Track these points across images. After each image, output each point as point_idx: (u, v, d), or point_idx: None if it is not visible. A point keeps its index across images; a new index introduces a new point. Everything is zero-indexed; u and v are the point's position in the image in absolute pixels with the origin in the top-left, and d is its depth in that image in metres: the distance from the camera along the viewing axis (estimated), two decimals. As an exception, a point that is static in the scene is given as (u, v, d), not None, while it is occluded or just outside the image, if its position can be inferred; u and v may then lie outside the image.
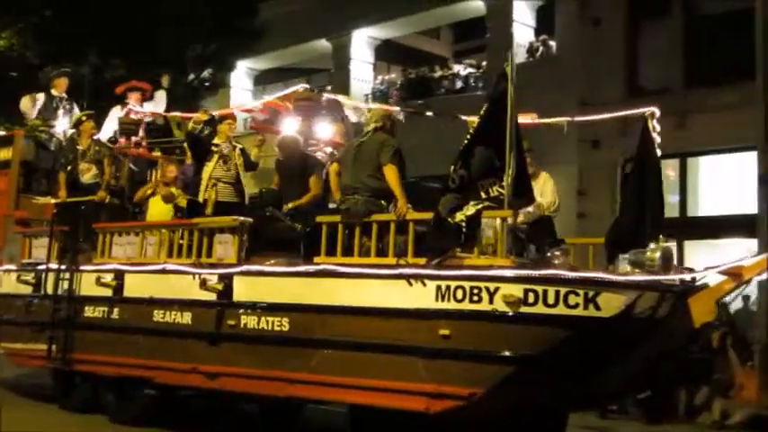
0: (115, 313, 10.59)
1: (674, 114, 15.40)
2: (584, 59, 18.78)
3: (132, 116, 12.78)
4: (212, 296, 9.44)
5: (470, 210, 7.70)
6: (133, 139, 12.52)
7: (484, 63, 22.00)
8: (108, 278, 10.56)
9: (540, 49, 20.84)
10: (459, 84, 22.72)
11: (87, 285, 10.90)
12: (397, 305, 8.08)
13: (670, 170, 17.68)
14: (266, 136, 10.62)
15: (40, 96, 13.13)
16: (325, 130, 10.66)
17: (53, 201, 11.89)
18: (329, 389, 8.51)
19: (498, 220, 7.76)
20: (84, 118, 12.12)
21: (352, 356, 8.35)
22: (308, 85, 10.29)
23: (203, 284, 9.28)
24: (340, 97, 10.51)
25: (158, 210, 11.42)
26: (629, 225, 8.32)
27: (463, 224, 7.69)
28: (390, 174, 8.42)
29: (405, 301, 8.03)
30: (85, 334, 10.86)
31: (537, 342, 7.43)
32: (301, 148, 9.97)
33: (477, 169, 7.88)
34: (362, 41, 24.86)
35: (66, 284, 11.09)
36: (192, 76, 22.54)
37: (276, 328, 8.92)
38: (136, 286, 10.40)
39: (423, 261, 8.01)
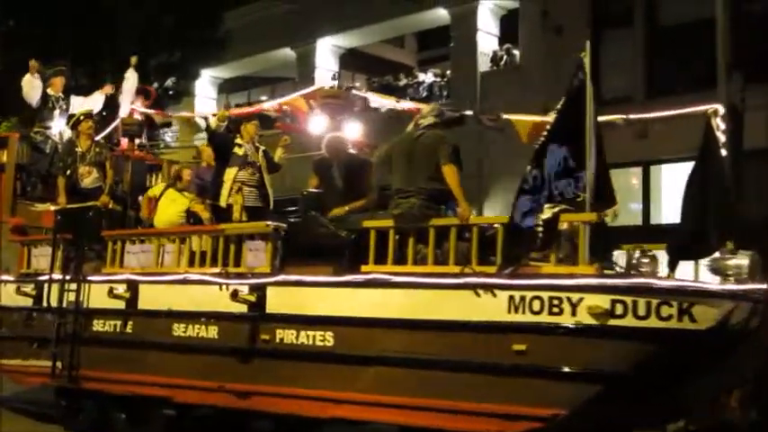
0: (128, 327, 9.55)
1: (636, 123, 14.77)
2: (547, 68, 18.25)
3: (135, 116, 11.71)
4: (243, 308, 8.46)
5: (547, 213, 6.81)
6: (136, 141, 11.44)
7: (448, 72, 21.63)
8: (120, 289, 9.51)
9: (504, 57, 20.61)
10: (423, 92, 22.18)
11: (96, 297, 9.84)
12: (460, 318, 7.18)
13: (633, 178, 17.68)
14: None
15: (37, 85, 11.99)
16: (353, 129, 9.72)
17: (53, 207, 10.80)
18: (383, 409, 7.60)
19: (579, 225, 6.87)
20: (81, 117, 11.05)
21: (408, 374, 7.45)
22: (334, 82, 9.29)
23: (234, 296, 8.29)
24: (370, 95, 9.55)
25: (168, 215, 10.40)
26: (692, 231, 7.48)
27: (539, 229, 6.79)
28: (450, 174, 7.54)
29: (470, 313, 7.15)
30: (94, 349, 9.79)
31: (626, 358, 6.60)
32: (349, 149, 9.01)
33: (550, 169, 6.99)
34: (327, 50, 24.42)
35: (71, 296, 9.98)
36: (155, 85, 21.88)
37: (318, 344, 7.96)
38: (152, 298, 9.37)
39: (490, 269, 7.10)
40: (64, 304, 10.07)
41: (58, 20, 19.59)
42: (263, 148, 9.72)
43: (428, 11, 21.55)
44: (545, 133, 7.03)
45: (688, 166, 15.69)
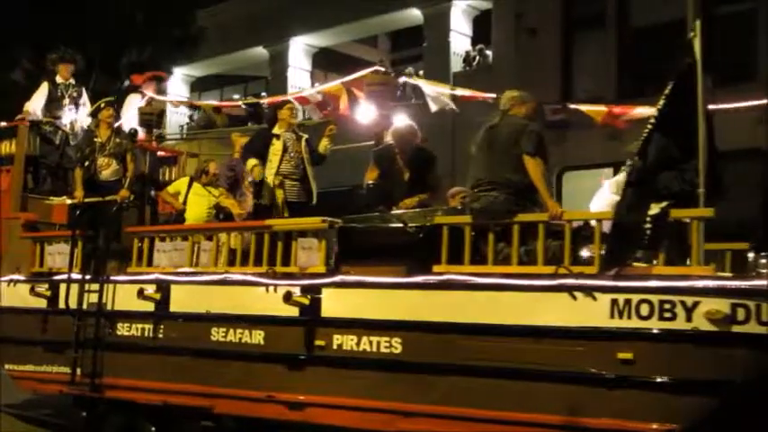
0: (159, 331, 8.59)
1: (607, 126, 14.30)
2: (519, 69, 17.96)
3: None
4: (293, 312, 7.54)
5: (655, 209, 6.02)
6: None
7: (421, 72, 20.93)
8: (149, 290, 8.54)
9: (477, 58, 20.21)
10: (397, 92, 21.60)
11: (121, 298, 8.88)
12: (553, 323, 6.36)
13: (604, 179, 17.09)
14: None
15: (43, 87, 10.98)
16: (403, 118, 8.86)
17: (69, 201, 9.83)
18: (458, 423, 6.77)
19: (693, 221, 6.09)
20: (102, 105, 10.12)
21: (490, 385, 6.61)
22: (382, 68, 8.43)
23: (288, 298, 7.40)
24: (421, 82, 8.70)
25: (196, 212, 9.50)
26: None
27: (647, 226, 5.99)
28: (532, 166, 6.73)
29: (565, 318, 6.35)
30: (120, 355, 8.85)
31: (749, 367, 5.82)
32: (418, 140, 8.14)
33: (653, 160, 6.20)
34: (299, 49, 24.00)
35: (92, 297, 9.01)
36: (126, 83, 21.23)
37: (384, 351, 7.09)
38: (186, 299, 8.46)
39: (589, 269, 6.30)
40: (84, 306, 9.07)
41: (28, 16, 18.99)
42: (305, 137, 8.83)
43: (401, 11, 21.20)
44: (651, 121, 6.23)
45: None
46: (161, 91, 11.43)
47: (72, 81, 11.08)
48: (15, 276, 9.98)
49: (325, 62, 24.95)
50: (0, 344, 10.08)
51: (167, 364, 8.47)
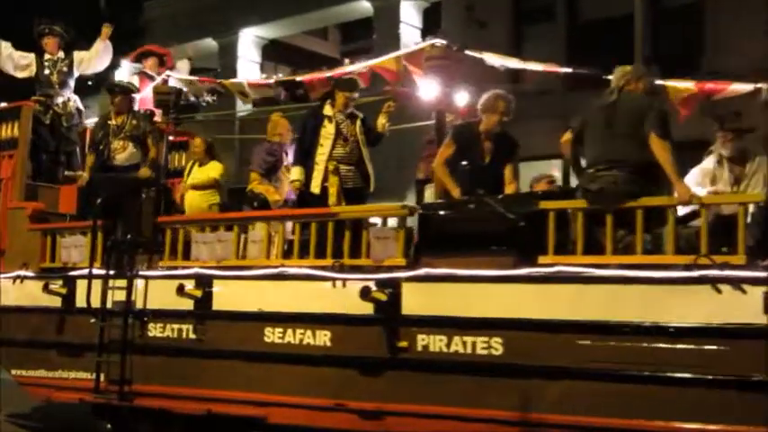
0: (199, 332, 7.53)
1: (555, 117, 13.74)
2: (470, 61, 17.21)
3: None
4: (367, 309, 6.57)
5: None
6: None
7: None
8: (188, 286, 7.47)
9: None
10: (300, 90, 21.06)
11: (154, 296, 7.79)
12: (691, 321, 5.47)
13: (555, 170, 16.33)
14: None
15: (27, 57, 9.81)
16: (465, 96, 7.93)
17: (77, 173, 8.83)
18: (573, 433, 5.81)
19: None
20: (116, 89, 9.03)
21: (612, 391, 5.73)
22: (443, 41, 7.49)
23: (366, 294, 6.41)
24: (488, 55, 7.77)
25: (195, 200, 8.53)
26: None
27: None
28: (659, 147, 5.85)
29: (707, 314, 5.44)
30: (153, 359, 7.78)
31: None
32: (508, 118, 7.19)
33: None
34: (249, 41, 23.16)
35: (117, 295, 7.91)
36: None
37: (481, 353, 6.15)
38: (232, 296, 7.45)
39: (735, 259, 5.45)
40: (109, 305, 7.96)
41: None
42: (361, 116, 7.85)
43: (351, 3, 20.66)
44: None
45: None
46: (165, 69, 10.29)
47: (61, 55, 9.93)
48: (23, 272, 8.79)
49: (275, 54, 24.20)
50: (4, 347, 8.89)
51: (210, 368, 7.44)
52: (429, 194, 8.14)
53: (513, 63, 7.78)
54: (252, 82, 9.11)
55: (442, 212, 6.71)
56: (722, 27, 13.37)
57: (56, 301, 8.48)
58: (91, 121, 9.86)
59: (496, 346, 6.14)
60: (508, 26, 17.39)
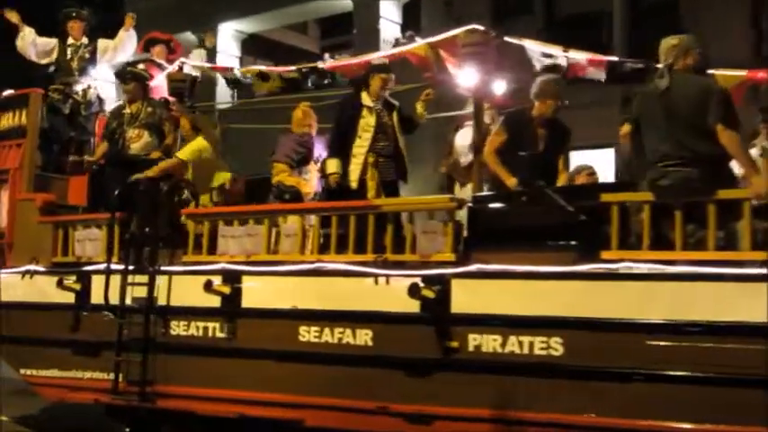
0: (228, 330, 7.11)
1: (595, 106, 13.52)
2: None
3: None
4: (412, 307, 6.19)
5: None
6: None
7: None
8: (216, 282, 7.06)
9: (407, 45, 19.04)
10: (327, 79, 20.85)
11: (177, 292, 7.38)
12: (770, 320, 5.15)
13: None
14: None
15: (49, 42, 9.33)
16: (503, 85, 7.58)
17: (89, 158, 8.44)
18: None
19: None
20: (128, 75, 8.58)
21: (688, 393, 5.41)
22: (480, 26, 7.13)
23: (415, 291, 6.04)
24: (528, 42, 7.42)
25: None
26: None
27: None
28: (729, 138, 5.53)
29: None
30: (176, 359, 7.37)
31: None
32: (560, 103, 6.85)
33: None
34: (229, 35, 22.96)
35: (137, 291, 7.48)
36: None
37: (540, 353, 5.82)
38: (263, 293, 7.06)
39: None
40: (128, 301, 7.53)
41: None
42: (397, 104, 7.47)
43: None
44: None
45: (584, 155, 14.38)
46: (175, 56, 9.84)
47: (84, 41, 9.47)
48: (32, 267, 8.32)
49: (255, 48, 23.99)
50: (12, 345, 8.41)
51: (240, 368, 7.04)
52: (457, 189, 7.81)
53: (554, 50, 7.41)
54: (270, 69, 8.67)
55: (494, 205, 6.33)
56: (700, 22, 13.04)
57: (69, 298, 8.03)
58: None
59: (556, 346, 5.80)
60: (487, 22, 17.06)
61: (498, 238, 6.16)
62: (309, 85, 8.10)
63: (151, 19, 22.06)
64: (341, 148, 7.42)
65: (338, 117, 7.58)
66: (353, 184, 7.29)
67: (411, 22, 19.35)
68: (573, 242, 5.89)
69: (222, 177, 8.13)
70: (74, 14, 9.47)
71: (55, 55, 9.40)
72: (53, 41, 9.49)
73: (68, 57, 9.41)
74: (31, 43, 9.51)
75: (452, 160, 7.87)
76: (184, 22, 22.28)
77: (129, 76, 8.62)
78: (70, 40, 9.46)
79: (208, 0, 22.19)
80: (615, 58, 7.41)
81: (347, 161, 7.33)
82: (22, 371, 8.37)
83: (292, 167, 8.04)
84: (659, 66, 6.02)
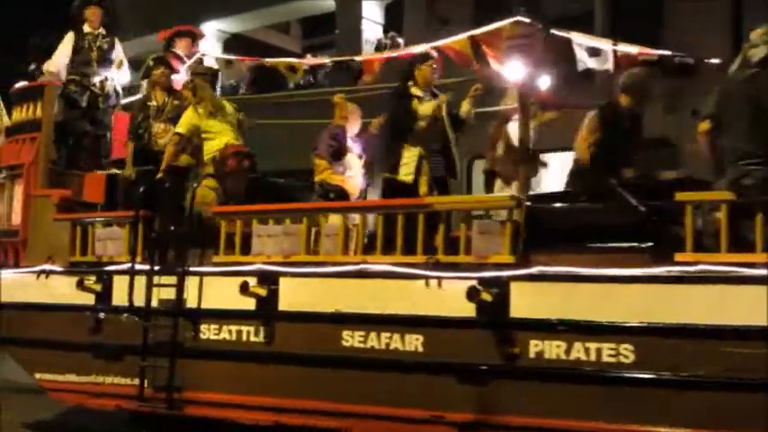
0: (263, 334, 6.74)
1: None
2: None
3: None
4: (467, 311, 5.87)
5: None
6: None
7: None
8: (251, 283, 6.69)
9: (389, 45, 18.92)
10: (309, 79, 20.84)
11: (208, 294, 7.01)
12: None
13: None
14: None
15: (68, 39, 8.87)
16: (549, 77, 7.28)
17: (118, 171, 7.94)
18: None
19: None
20: (151, 62, 8.18)
21: (770, 404, 5.06)
22: (525, 18, 6.83)
23: (474, 295, 5.70)
24: (575, 35, 7.12)
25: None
26: None
27: None
28: None
29: None
30: (207, 364, 7.00)
31: None
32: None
33: None
34: (211, 34, 22.32)
35: (163, 293, 7.09)
36: (33, 66, 19.50)
37: (608, 360, 5.51)
38: (302, 296, 6.71)
39: None
40: (154, 303, 7.13)
41: None
42: (445, 98, 7.14)
43: None
44: None
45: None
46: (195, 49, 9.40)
47: (102, 31, 9.00)
48: (48, 267, 7.90)
49: (237, 48, 23.66)
50: (25, 348, 8.00)
51: (277, 374, 6.68)
52: (498, 186, 7.50)
53: (603, 44, 7.11)
54: (300, 60, 8.32)
55: (556, 204, 6.01)
56: (681, 25, 12.89)
57: (88, 299, 7.63)
58: (125, 102, 8.95)
59: (626, 353, 5.49)
60: (470, 23, 16.97)
61: (561, 239, 5.84)
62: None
63: (134, 16, 21.85)
64: (399, 142, 7.02)
65: (392, 110, 7.19)
66: (408, 178, 6.92)
67: (393, 23, 19.34)
68: (644, 243, 5.56)
69: (216, 145, 7.44)
70: (95, 2, 8.97)
71: (70, 47, 8.89)
72: (69, 36, 8.96)
73: (86, 46, 8.90)
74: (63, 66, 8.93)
75: (496, 155, 7.53)
76: (167, 21, 22.22)
77: (154, 61, 8.18)
78: (87, 29, 8.93)
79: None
80: (666, 52, 7.08)
81: (399, 155, 6.95)
82: (37, 375, 7.97)
83: (331, 163, 7.65)
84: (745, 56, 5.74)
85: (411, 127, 6.91)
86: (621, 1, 14.43)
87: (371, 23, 19.73)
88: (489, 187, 7.70)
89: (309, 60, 8.31)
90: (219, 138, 7.43)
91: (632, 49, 7.15)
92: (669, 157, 9.22)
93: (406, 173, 6.91)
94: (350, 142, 7.76)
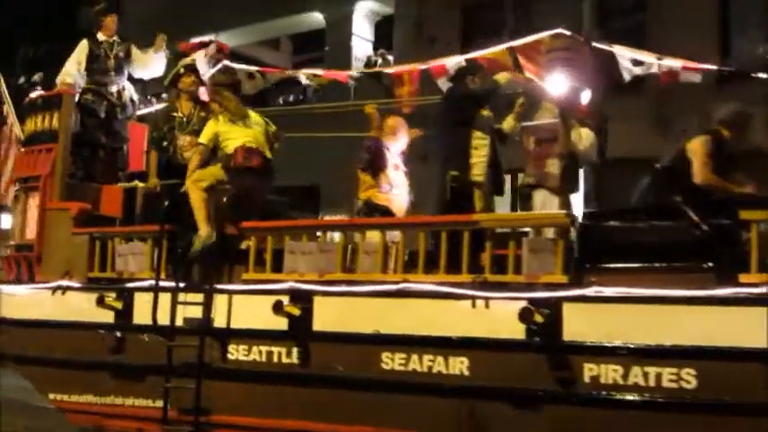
0: (296, 355, 6.47)
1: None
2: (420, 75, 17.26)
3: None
4: (516, 333, 5.63)
5: None
6: None
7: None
8: (284, 302, 6.42)
9: (379, 62, 19.38)
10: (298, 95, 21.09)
11: (236, 312, 6.73)
12: None
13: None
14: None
15: (83, 46, 8.61)
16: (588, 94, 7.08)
17: (141, 185, 7.66)
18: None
19: None
20: (182, 70, 7.90)
21: None
22: (566, 31, 6.66)
23: (528, 316, 5.46)
24: (619, 48, 6.94)
25: None
26: None
27: None
28: None
29: None
30: (235, 386, 6.70)
31: None
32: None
33: None
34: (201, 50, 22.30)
35: (189, 311, 6.81)
36: (22, 79, 19.38)
37: (669, 385, 5.28)
38: (338, 315, 6.43)
39: None
40: (178, 322, 6.85)
41: None
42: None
43: (304, 14, 20.70)
44: None
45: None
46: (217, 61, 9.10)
47: (117, 38, 8.73)
48: (65, 282, 7.60)
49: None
50: (39, 367, 7.68)
51: (311, 397, 6.39)
52: (539, 201, 7.25)
53: (647, 57, 6.93)
54: (326, 73, 8.08)
55: (612, 222, 5.79)
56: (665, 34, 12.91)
57: (107, 316, 7.34)
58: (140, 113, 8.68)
59: (688, 378, 5.26)
60: (458, 42, 16.98)
61: (617, 258, 5.62)
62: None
63: (125, 32, 21.74)
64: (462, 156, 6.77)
65: (451, 123, 6.91)
66: (480, 178, 6.65)
67: (383, 40, 19.63)
68: (706, 263, 5.35)
69: (231, 145, 7.10)
70: (112, 8, 8.71)
71: (85, 52, 8.61)
72: (83, 44, 8.69)
73: (103, 54, 8.62)
74: (79, 75, 8.63)
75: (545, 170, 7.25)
76: (156, 36, 22.32)
77: (188, 69, 7.88)
78: (102, 37, 8.69)
79: (181, 15, 21.76)
80: (712, 66, 6.91)
81: (466, 159, 6.68)
82: (52, 395, 7.63)
83: (373, 177, 7.37)
84: None
85: (477, 110, 6.60)
86: (606, 24, 14.58)
87: (361, 40, 19.86)
88: (524, 202, 7.46)
89: (332, 73, 8.02)
90: (235, 141, 7.16)
91: (676, 63, 6.98)
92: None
93: (477, 173, 6.65)
94: (395, 158, 7.45)
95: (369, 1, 19.54)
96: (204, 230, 6.82)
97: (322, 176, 16.54)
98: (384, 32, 19.67)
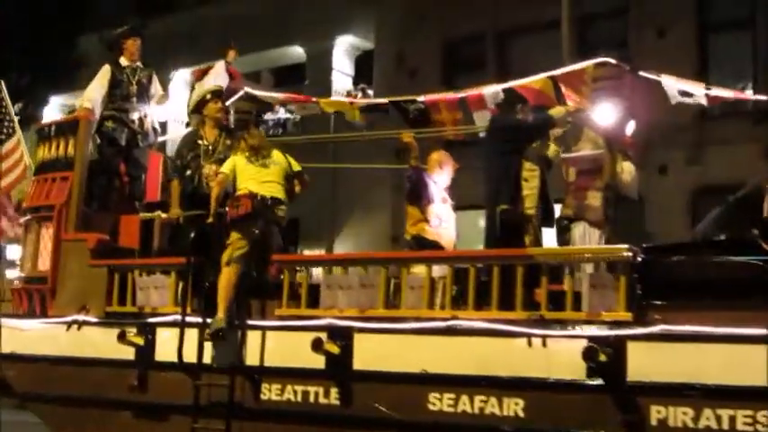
0: (334, 395, 6.13)
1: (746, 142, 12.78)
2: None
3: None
4: (575, 373, 5.36)
5: None
6: None
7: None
8: (323, 339, 6.11)
9: (359, 96, 19.26)
10: (279, 128, 21.24)
11: (269, 350, 6.39)
12: None
13: None
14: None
15: (105, 71, 8.30)
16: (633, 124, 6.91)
17: (164, 215, 7.32)
18: None
19: None
20: (208, 96, 7.55)
21: None
22: (612, 60, 6.49)
23: (591, 356, 5.19)
24: (665, 78, 6.78)
25: None
26: None
27: None
28: None
29: None
30: (266, 427, 6.36)
31: None
32: None
33: None
34: (182, 81, 22.37)
35: (219, 349, 6.47)
36: (19, 105, 19.59)
37: (745, 429, 5.01)
38: (380, 354, 6.11)
39: None
40: (206, 359, 6.51)
41: None
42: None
43: (284, 48, 20.88)
44: None
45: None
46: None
47: (140, 64, 8.43)
48: (81, 317, 7.23)
49: None
50: (52, 406, 7.29)
51: (349, 440, 6.03)
52: (579, 234, 7.01)
53: (693, 87, 6.77)
54: (354, 101, 7.84)
55: (675, 257, 5.56)
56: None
57: (127, 353, 6.96)
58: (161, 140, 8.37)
59: (764, 420, 4.99)
60: (438, 75, 17.21)
61: (685, 294, 5.36)
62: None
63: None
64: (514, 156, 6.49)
65: (504, 154, 6.64)
66: (532, 211, 6.40)
67: (363, 75, 19.70)
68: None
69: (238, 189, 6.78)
70: (135, 32, 8.41)
71: (107, 77, 8.29)
72: (106, 69, 8.37)
73: (125, 80, 8.30)
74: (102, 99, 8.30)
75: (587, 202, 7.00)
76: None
77: (215, 95, 7.55)
78: (124, 62, 8.38)
79: (161, 46, 20.73)
80: (762, 97, 6.77)
81: (518, 179, 6.41)
82: (70, 437, 7.23)
83: (424, 212, 7.09)
84: None
85: (529, 142, 6.37)
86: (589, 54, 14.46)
87: (341, 75, 19.97)
88: (561, 235, 7.20)
89: (362, 101, 7.77)
90: (240, 185, 6.80)
91: (725, 93, 6.83)
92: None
93: (529, 205, 6.39)
94: (442, 191, 7.18)
95: (349, 36, 19.69)
96: (221, 314, 6.47)
97: (302, 210, 16.30)
98: (364, 66, 19.81)
